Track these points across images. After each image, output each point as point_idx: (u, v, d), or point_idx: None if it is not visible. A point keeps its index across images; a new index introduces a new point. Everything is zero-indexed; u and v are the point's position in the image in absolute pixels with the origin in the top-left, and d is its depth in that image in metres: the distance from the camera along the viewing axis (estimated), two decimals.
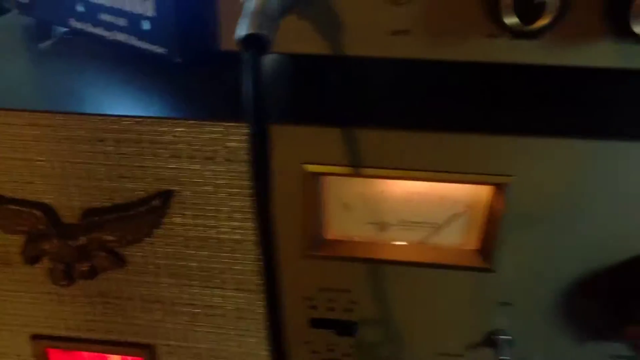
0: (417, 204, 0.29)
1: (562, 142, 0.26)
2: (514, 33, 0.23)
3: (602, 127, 0.27)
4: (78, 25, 0.36)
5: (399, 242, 0.30)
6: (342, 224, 0.30)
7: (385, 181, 0.29)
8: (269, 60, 0.33)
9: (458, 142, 0.26)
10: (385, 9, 0.25)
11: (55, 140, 0.29)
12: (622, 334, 0.27)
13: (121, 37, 0.34)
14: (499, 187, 0.27)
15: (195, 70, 0.32)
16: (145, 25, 0.32)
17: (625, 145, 0.25)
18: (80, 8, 0.35)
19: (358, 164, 0.28)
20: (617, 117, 0.28)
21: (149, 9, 0.31)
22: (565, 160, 0.26)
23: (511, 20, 0.23)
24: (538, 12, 0.22)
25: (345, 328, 0.31)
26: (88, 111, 0.29)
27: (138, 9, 0.32)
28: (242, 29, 0.21)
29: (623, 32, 0.23)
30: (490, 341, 0.30)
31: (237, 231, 0.30)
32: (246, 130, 0.26)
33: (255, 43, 0.21)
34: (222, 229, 0.30)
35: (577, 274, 0.28)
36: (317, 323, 0.31)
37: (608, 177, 0.26)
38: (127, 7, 0.32)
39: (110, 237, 0.31)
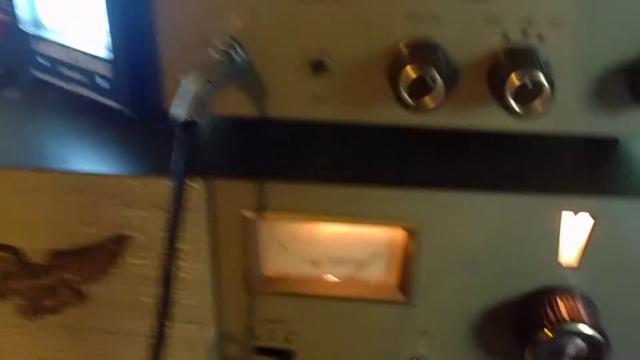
0: (343, 243, 0.33)
1: (464, 195, 0.30)
2: (409, 108, 0.27)
3: (500, 181, 0.31)
4: (40, 75, 0.39)
5: (330, 278, 0.33)
6: (279, 262, 0.34)
7: (313, 225, 0.32)
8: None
9: (374, 193, 0.30)
10: (306, 78, 0.29)
11: (20, 190, 0.33)
12: (523, 358, 0.30)
13: (80, 90, 0.37)
14: (410, 233, 0.31)
15: (149, 124, 0.36)
16: (102, 83, 0.36)
17: (515, 198, 0.29)
18: (41, 60, 0.39)
19: (289, 210, 0.31)
20: (509, 172, 0.32)
21: (103, 69, 0.35)
22: (470, 212, 0.30)
23: (405, 97, 0.26)
24: (427, 90, 0.26)
25: (283, 356, 0.35)
26: (51, 166, 0.33)
27: (93, 67, 0.35)
28: (178, 111, 0.25)
29: (503, 105, 0.27)
30: None
31: (185, 270, 0.33)
32: (194, 185, 0.31)
33: (188, 125, 0.25)
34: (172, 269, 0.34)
35: (486, 307, 0.32)
36: (259, 351, 0.35)
37: (504, 227, 0.30)
38: (83, 65, 0.36)
39: (73, 276, 0.35)
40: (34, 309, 0.36)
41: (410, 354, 0.34)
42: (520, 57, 0.27)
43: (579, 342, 0.29)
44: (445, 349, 0.33)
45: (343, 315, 0.33)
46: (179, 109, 0.25)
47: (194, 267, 0.33)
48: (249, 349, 0.35)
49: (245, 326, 0.34)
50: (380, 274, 0.33)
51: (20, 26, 0.39)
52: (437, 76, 0.26)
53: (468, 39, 0.28)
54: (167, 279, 0.26)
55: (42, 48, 0.38)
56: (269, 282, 0.34)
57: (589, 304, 0.30)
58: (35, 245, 0.34)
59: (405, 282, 0.32)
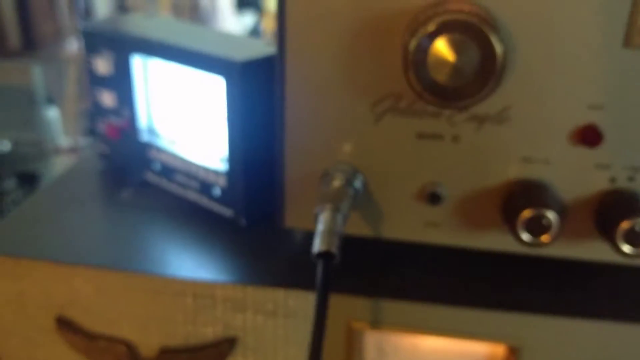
0: (443, 356, 0.34)
1: (567, 320, 0.31)
2: (525, 244, 0.29)
3: (604, 310, 0.32)
4: (154, 179, 0.42)
5: None
6: None
7: (414, 336, 0.34)
8: None
9: (479, 314, 0.32)
10: (421, 207, 0.32)
11: (140, 290, 0.35)
12: None
13: (193, 196, 0.40)
14: (512, 351, 0.32)
15: (259, 233, 0.38)
16: (216, 191, 0.38)
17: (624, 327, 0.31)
18: (157, 166, 0.42)
19: (395, 324, 0.33)
20: (616, 302, 0.34)
21: (220, 180, 0.38)
22: (571, 337, 0.32)
23: (524, 235, 0.29)
24: (544, 230, 0.28)
25: None
26: (170, 272, 0.35)
27: (211, 178, 0.38)
28: (317, 245, 0.27)
29: (613, 246, 0.29)
30: None
31: None
32: (303, 294, 0.33)
33: (326, 256, 0.27)
34: None
35: None
36: None
37: (605, 354, 0.31)
38: (201, 176, 0.39)
39: None
40: None
41: None
42: (628, 201, 0.29)
43: None
44: None
45: None
46: (317, 246, 0.28)
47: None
48: None
49: None
50: None
51: (137, 132, 0.42)
52: (554, 216, 0.28)
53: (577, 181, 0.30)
54: None
55: (156, 155, 0.41)
56: None
57: None
58: (148, 341, 0.36)
59: None
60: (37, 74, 1.33)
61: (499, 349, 0.34)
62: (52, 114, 1.44)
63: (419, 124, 0.31)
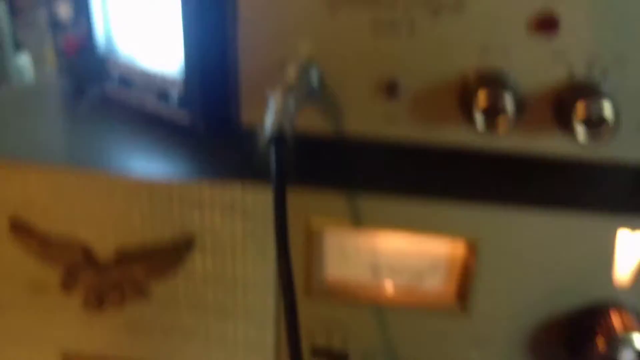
0: (404, 255, 0.34)
1: (524, 213, 0.31)
2: (482, 129, 0.29)
3: (560, 202, 0.32)
4: (113, 92, 0.41)
5: (389, 286, 0.35)
6: (340, 269, 0.35)
7: (375, 235, 0.34)
8: None
9: (437, 208, 0.32)
10: (379, 100, 0.31)
11: (95, 191, 0.34)
12: None
13: (151, 105, 0.39)
14: (470, 246, 0.33)
15: (217, 139, 0.38)
16: (173, 98, 0.37)
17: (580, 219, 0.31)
18: (115, 78, 0.40)
19: (355, 221, 0.33)
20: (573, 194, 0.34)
21: (177, 86, 0.37)
22: (529, 230, 0.32)
23: (478, 119, 0.28)
24: (499, 113, 0.28)
25: (339, 358, 0.36)
26: (125, 171, 0.34)
27: (168, 86, 0.37)
28: (267, 130, 0.27)
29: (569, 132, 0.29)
30: None
31: (249, 272, 0.35)
32: (261, 190, 0.32)
33: (279, 140, 0.27)
34: (237, 269, 0.35)
35: (539, 321, 0.34)
36: (316, 353, 0.37)
37: (561, 246, 0.32)
38: (154, 82, 0.38)
39: (139, 273, 0.36)
40: (98, 303, 0.37)
41: None
42: (586, 89, 0.29)
43: (630, 353, 0.31)
44: (497, 357, 0.35)
45: (398, 322, 0.35)
46: (267, 125, 0.27)
47: (259, 270, 0.35)
48: (307, 351, 0.36)
49: (304, 328, 0.36)
50: (437, 285, 0.35)
51: (94, 45, 0.41)
52: (509, 100, 0.28)
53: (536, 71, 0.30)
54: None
55: (114, 66, 0.40)
56: (329, 287, 0.35)
57: None
58: (105, 242, 0.36)
59: (462, 294, 0.34)
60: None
61: (459, 248, 0.34)
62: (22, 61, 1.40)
63: (375, 13, 0.30)
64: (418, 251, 0.34)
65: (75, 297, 0.38)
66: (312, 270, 0.35)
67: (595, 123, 0.28)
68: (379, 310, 0.35)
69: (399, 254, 0.34)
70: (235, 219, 0.34)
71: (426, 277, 0.35)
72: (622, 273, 0.32)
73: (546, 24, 0.29)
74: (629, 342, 0.31)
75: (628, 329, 0.31)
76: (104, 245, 0.36)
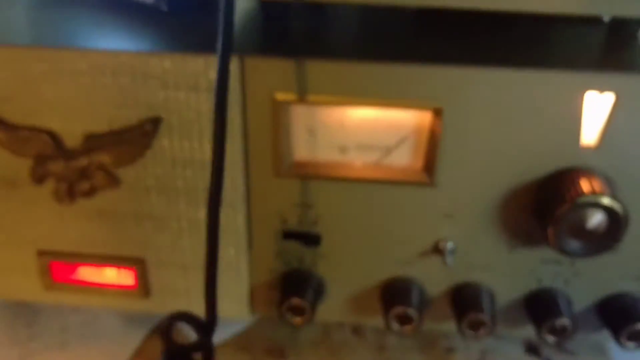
0: (371, 129, 0.34)
1: (489, 71, 0.31)
2: None
3: (526, 60, 0.32)
4: None
5: (357, 163, 0.35)
6: (308, 148, 0.35)
7: (342, 109, 0.33)
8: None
9: (399, 71, 0.31)
10: None
11: (59, 73, 0.34)
12: (545, 237, 0.32)
13: None
14: (436, 113, 0.32)
15: (180, 17, 0.37)
16: None
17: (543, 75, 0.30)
18: None
19: (320, 91, 0.32)
20: (535, 52, 0.33)
21: None
22: (494, 88, 0.31)
23: None
24: None
25: (311, 239, 0.36)
26: (88, 47, 0.34)
27: None
28: None
29: None
30: (436, 249, 0.36)
31: None
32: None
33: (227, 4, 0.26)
34: (205, 151, 0.35)
35: (508, 188, 0.33)
36: (287, 235, 0.36)
37: (527, 105, 0.31)
38: None
39: (107, 159, 0.36)
40: (69, 193, 0.37)
41: (435, 237, 0.35)
42: None
43: (598, 214, 0.30)
44: (468, 231, 0.35)
45: (368, 199, 0.35)
46: None
47: (227, 150, 0.35)
48: (279, 234, 0.36)
49: (274, 210, 0.36)
50: (406, 159, 0.34)
51: None
52: None
53: None
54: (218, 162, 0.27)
55: None
56: (298, 166, 0.35)
57: (608, 181, 0.31)
58: (72, 128, 0.35)
59: (430, 165, 0.33)
60: None
61: (425, 119, 0.33)
62: None
63: None
64: (385, 125, 0.34)
65: (46, 189, 0.37)
66: (280, 149, 0.34)
67: None
68: (349, 187, 0.35)
69: (367, 128, 0.34)
70: (200, 98, 0.34)
71: (395, 152, 0.34)
72: (589, 136, 0.32)
73: None
74: (597, 204, 0.30)
75: (596, 192, 0.30)
76: (72, 132, 0.35)
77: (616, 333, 0.36)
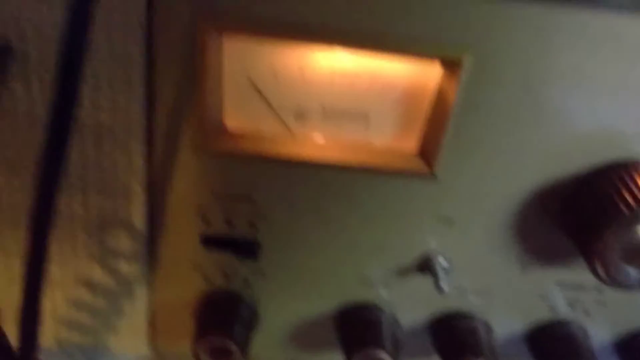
0: (344, 85, 0.22)
1: (534, 8, 0.20)
2: None
3: None
4: None
5: (319, 138, 0.23)
6: (247, 109, 0.23)
7: (302, 50, 0.22)
8: None
9: None
10: None
11: None
12: (588, 261, 0.22)
13: None
14: (450, 65, 0.21)
15: None
16: None
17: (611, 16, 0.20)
18: None
19: (269, 19, 0.21)
20: None
21: None
22: (537, 33, 0.20)
23: None
24: None
25: (245, 248, 0.24)
26: None
27: None
28: None
29: None
30: (424, 266, 0.25)
31: (107, 113, 0.22)
32: None
33: None
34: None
35: (533, 185, 0.23)
36: (210, 241, 0.24)
37: (587, 58, 0.21)
38: None
39: None
40: None
41: (422, 248, 0.25)
42: None
43: None
44: (467, 241, 0.24)
45: (332, 191, 0.24)
46: None
47: (120, 106, 0.22)
48: (197, 237, 0.24)
49: (192, 203, 0.24)
50: (393, 135, 0.23)
51: None
52: None
53: None
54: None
55: None
56: (230, 138, 0.23)
57: None
58: None
59: (430, 147, 0.23)
60: None
61: (430, 74, 0.22)
62: None
63: None
64: (367, 80, 0.22)
65: None
66: (203, 111, 0.22)
67: None
68: (306, 174, 0.23)
69: (339, 84, 0.22)
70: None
71: (376, 124, 0.23)
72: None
73: None
74: None
75: None
76: None
77: None
